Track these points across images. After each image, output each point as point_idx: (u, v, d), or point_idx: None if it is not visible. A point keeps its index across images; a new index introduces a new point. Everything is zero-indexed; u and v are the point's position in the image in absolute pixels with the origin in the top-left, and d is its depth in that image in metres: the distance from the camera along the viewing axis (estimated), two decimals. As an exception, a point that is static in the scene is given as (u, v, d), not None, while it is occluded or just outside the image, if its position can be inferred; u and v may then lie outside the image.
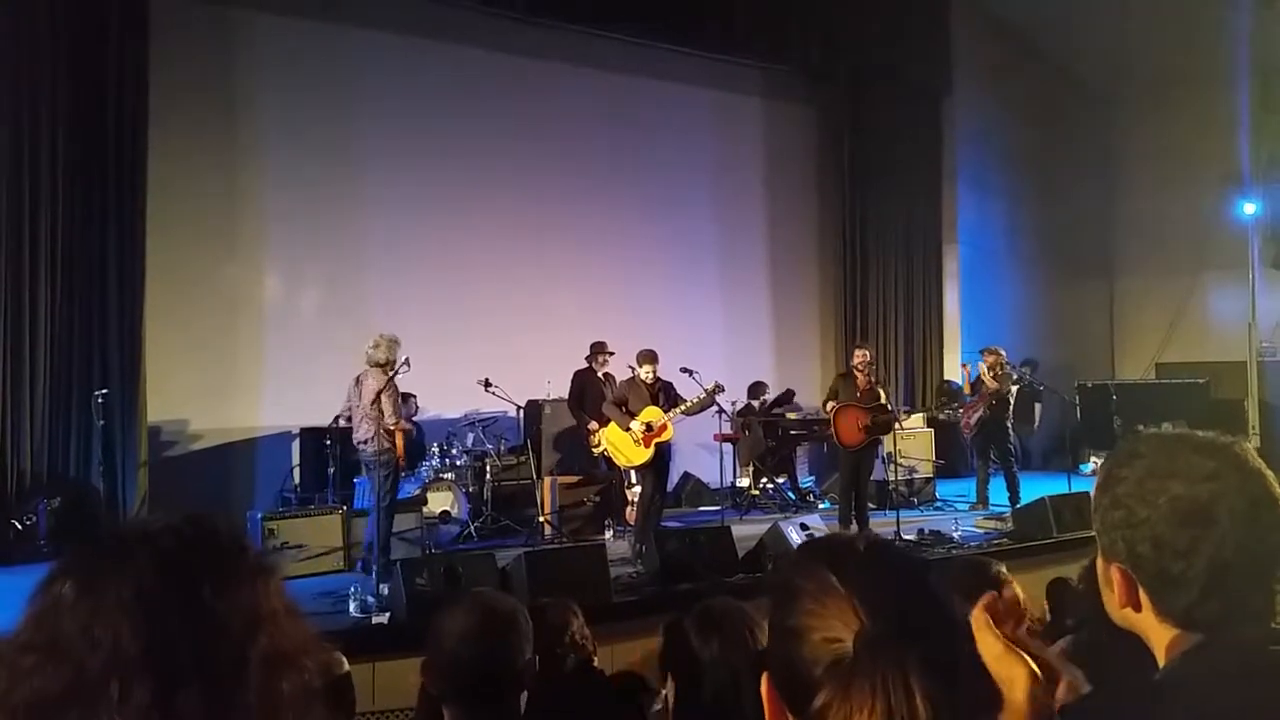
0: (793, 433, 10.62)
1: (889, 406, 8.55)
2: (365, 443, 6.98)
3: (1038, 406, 12.84)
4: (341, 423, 7.42)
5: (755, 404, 10.78)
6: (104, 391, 7.82)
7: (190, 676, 0.83)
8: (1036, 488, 9.17)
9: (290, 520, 7.29)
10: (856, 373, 8.57)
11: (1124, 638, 1.25)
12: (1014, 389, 9.88)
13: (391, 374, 6.96)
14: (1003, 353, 9.90)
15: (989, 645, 1.00)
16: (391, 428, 6.90)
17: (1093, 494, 1.29)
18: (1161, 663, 1.19)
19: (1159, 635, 1.20)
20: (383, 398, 6.88)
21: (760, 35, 11.22)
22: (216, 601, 0.87)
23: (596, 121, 11.22)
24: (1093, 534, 1.29)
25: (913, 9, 12.28)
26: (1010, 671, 0.95)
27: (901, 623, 0.92)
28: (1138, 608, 1.21)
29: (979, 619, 1.02)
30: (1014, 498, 9.29)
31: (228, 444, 9.08)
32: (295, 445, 9.09)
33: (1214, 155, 12.94)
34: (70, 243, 7.97)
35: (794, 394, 11.19)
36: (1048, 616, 3.91)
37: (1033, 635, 1.83)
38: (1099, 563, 1.27)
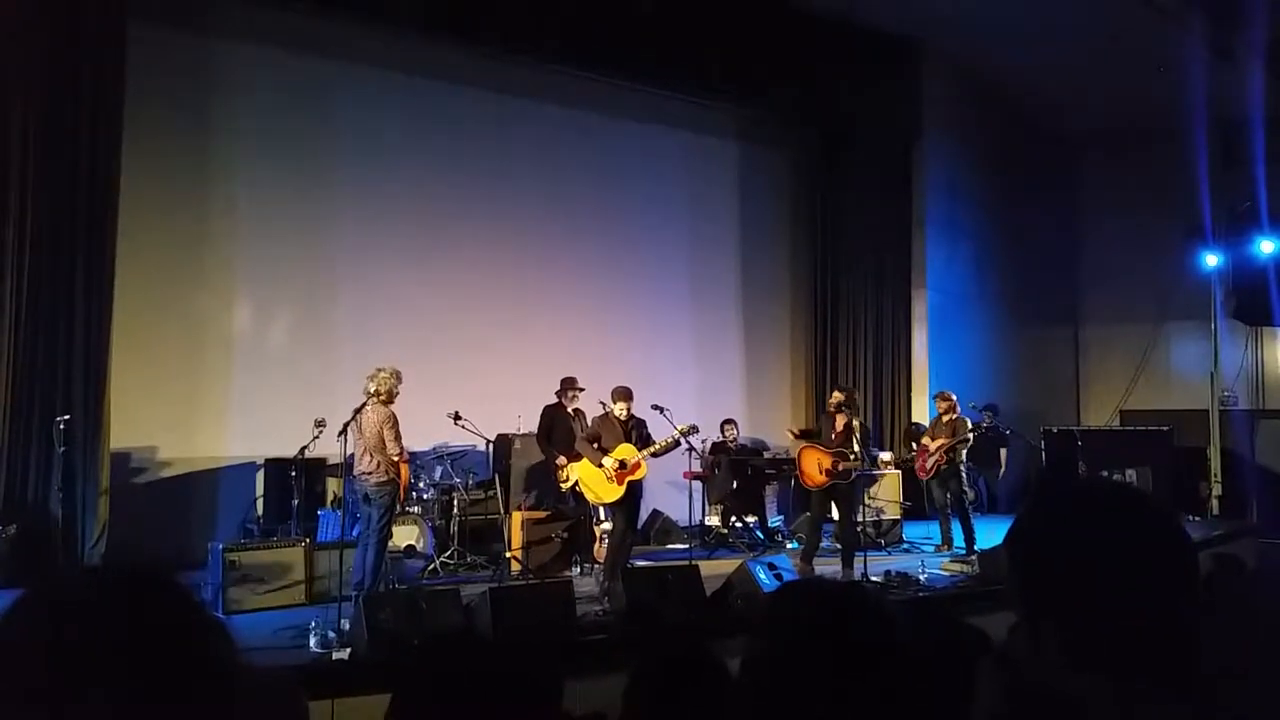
0: (766, 472, 10.65)
1: (850, 456, 8.35)
2: (368, 474, 6.94)
3: (1004, 451, 12.94)
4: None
5: (727, 441, 10.80)
6: (65, 418, 7.69)
7: None
8: (1003, 531, 9.19)
9: (252, 551, 7.19)
10: (837, 415, 8.60)
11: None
12: (970, 434, 10.00)
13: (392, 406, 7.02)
14: (954, 397, 10.05)
15: None
16: (396, 459, 6.93)
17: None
18: None
19: None
20: (385, 430, 6.90)
21: (734, 79, 11.36)
22: (167, 652, 0.87)
23: (571, 159, 11.29)
24: None
25: (884, 57, 12.50)
26: None
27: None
28: None
29: None
30: (969, 540, 9.38)
31: (191, 473, 8.95)
32: (259, 476, 8.98)
33: (1177, 207, 13.23)
34: (37, 267, 7.85)
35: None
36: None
37: None
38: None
